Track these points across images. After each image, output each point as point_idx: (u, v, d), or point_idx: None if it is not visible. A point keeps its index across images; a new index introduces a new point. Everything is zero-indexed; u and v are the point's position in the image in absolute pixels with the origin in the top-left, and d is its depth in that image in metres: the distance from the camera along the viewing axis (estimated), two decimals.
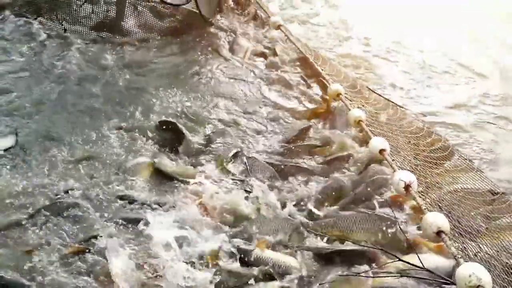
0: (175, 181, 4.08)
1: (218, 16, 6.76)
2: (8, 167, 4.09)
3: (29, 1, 6.13)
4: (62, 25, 6.07)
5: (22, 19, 6.09)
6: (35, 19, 6.12)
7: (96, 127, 4.65)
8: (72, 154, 4.31)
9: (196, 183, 4.03)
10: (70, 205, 3.74)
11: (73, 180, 3.99)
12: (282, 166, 4.36)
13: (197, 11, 6.23)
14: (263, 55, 6.28)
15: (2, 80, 5.17)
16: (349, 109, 4.82)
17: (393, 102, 5.99)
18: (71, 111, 4.88)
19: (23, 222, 3.58)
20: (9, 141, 4.38)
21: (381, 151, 4.29)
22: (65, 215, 3.66)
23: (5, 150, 4.29)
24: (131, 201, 3.87)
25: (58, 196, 3.83)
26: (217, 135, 4.63)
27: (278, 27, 6.67)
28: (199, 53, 6.13)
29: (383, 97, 5.98)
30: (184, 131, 4.55)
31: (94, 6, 6.16)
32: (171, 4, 6.01)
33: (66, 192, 3.88)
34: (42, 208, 3.69)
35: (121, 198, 3.90)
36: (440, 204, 3.94)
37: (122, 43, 6.02)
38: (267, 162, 4.37)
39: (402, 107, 6.03)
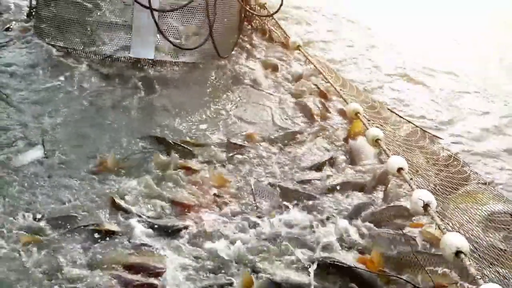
0: None
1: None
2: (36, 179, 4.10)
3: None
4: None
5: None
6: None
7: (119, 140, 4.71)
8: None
9: None
10: None
11: None
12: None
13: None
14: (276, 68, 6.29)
15: (28, 94, 5.25)
16: (367, 128, 4.77)
17: (413, 124, 5.93)
18: (96, 125, 4.92)
19: None
20: (37, 153, 4.41)
21: (399, 169, 4.22)
22: None
23: (34, 161, 4.31)
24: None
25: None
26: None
27: (297, 47, 6.69)
28: (220, 75, 6.17)
29: (403, 118, 5.91)
30: None
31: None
32: (187, 48, 5.99)
33: None
34: None
35: None
36: (459, 225, 3.86)
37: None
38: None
39: (422, 129, 5.98)
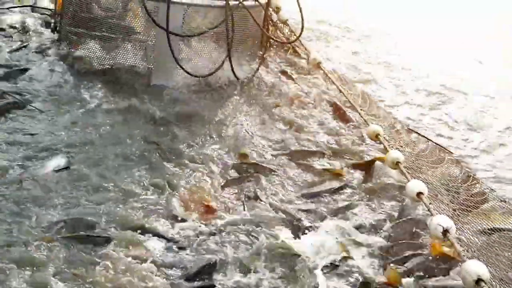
0: None
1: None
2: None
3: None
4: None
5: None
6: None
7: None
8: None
9: None
10: None
11: None
12: None
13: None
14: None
15: (54, 108, 5.39)
16: (388, 150, 4.82)
17: (435, 143, 5.96)
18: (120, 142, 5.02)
19: None
20: (61, 162, 4.53)
21: (419, 194, 4.26)
22: None
23: (58, 170, 4.42)
24: None
25: None
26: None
27: (318, 64, 6.76)
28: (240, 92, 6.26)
29: (424, 137, 5.96)
30: None
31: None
32: (200, 76, 6.07)
33: None
34: None
35: None
36: (479, 252, 3.89)
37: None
38: None
39: (443, 147, 6.00)
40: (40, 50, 6.44)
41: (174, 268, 3.65)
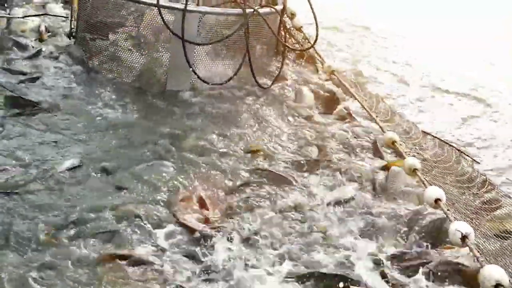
0: None
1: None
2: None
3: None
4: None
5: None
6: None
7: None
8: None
9: None
10: None
11: None
12: None
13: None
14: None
15: (71, 111, 5.53)
16: (405, 157, 4.90)
17: (450, 145, 6.00)
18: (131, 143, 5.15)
19: None
20: (74, 161, 4.69)
21: (437, 200, 4.34)
22: None
23: (70, 169, 4.59)
24: None
25: None
26: None
27: (332, 72, 6.84)
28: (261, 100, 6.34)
29: (439, 139, 6.03)
30: None
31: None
32: (215, 84, 6.18)
33: None
34: None
35: None
36: (497, 257, 3.96)
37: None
38: None
39: (459, 150, 6.05)
40: (56, 56, 6.55)
41: None
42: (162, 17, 5.82)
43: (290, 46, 7.02)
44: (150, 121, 5.58)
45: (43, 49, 6.66)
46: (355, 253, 4.03)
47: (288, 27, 7.44)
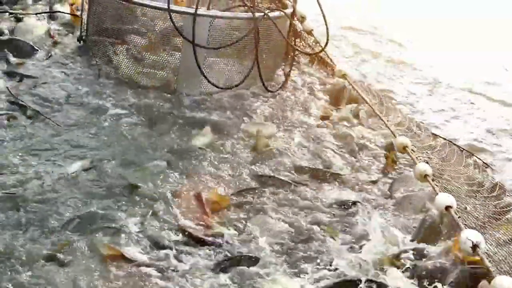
0: None
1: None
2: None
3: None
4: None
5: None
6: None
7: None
8: None
9: None
10: None
11: None
12: None
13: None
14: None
15: (79, 115, 5.63)
16: (416, 163, 4.89)
17: (458, 146, 5.99)
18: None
19: None
20: (84, 163, 4.81)
21: (447, 207, 4.34)
22: None
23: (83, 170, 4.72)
24: None
25: None
26: None
27: (343, 76, 6.83)
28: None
29: (450, 141, 6.03)
30: None
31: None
32: (226, 88, 6.24)
33: None
34: None
35: None
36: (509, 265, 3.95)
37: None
38: None
39: (470, 152, 6.03)
40: (65, 59, 6.64)
41: None
42: (172, 22, 5.86)
43: (300, 50, 7.00)
44: (158, 123, 5.66)
45: (53, 53, 6.73)
46: None
47: (298, 30, 7.43)
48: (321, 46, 6.82)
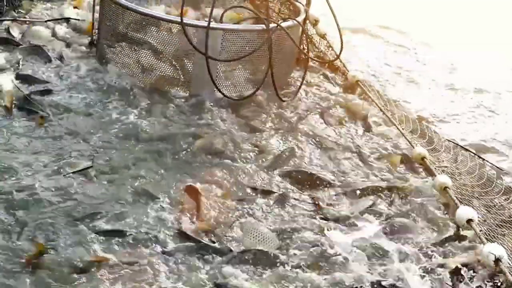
0: None
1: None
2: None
3: None
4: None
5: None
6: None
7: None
8: None
9: None
10: None
11: None
12: None
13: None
14: None
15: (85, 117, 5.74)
16: (435, 175, 4.96)
17: (479, 156, 6.01)
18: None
19: None
20: (86, 163, 4.94)
21: (469, 221, 4.43)
22: None
23: (82, 169, 4.85)
24: None
25: None
26: None
27: (356, 82, 6.88)
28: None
29: (468, 150, 6.04)
30: None
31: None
32: (235, 99, 6.26)
33: None
34: None
35: None
36: None
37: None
38: None
39: (486, 161, 6.07)
40: (76, 63, 6.66)
41: None
42: (186, 35, 5.91)
43: (314, 59, 7.00)
44: (169, 126, 5.74)
45: (63, 56, 6.77)
46: None
47: (310, 34, 7.43)
48: (335, 52, 6.83)
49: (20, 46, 6.83)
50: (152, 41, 6.35)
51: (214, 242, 4.27)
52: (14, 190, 4.48)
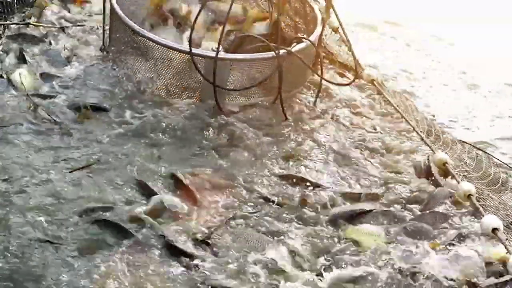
0: None
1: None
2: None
3: None
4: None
5: None
6: None
7: None
8: None
9: None
10: None
11: None
12: None
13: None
14: None
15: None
16: (458, 182, 4.94)
17: (493, 156, 6.03)
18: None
19: None
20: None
21: (494, 230, 4.43)
22: None
23: (85, 166, 5.11)
24: None
25: None
26: None
27: (372, 81, 6.83)
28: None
29: (489, 154, 6.02)
30: None
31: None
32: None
33: None
34: None
35: None
36: None
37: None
38: None
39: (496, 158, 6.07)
40: (85, 68, 6.68)
41: None
42: (195, 64, 5.94)
43: (330, 81, 6.72)
44: (180, 131, 5.82)
45: (73, 62, 6.77)
46: None
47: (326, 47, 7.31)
48: (348, 47, 6.73)
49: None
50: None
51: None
52: None
